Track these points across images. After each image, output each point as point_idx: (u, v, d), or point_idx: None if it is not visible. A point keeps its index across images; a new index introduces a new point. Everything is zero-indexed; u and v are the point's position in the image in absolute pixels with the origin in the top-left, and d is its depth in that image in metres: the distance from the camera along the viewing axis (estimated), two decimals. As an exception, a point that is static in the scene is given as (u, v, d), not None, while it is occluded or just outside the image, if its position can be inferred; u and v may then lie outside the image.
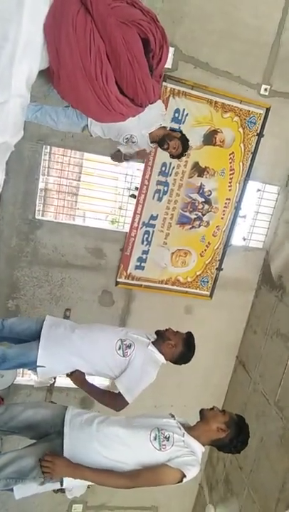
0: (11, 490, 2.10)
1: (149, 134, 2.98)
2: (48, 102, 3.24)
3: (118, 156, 3.33)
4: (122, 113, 2.35)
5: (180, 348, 2.52)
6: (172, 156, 3.13)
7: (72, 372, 2.46)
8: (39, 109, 3.14)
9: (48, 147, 4.09)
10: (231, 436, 2.04)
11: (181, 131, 3.13)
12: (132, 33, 2.15)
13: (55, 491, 2.78)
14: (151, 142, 3.05)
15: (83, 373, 2.47)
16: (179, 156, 3.15)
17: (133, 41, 2.15)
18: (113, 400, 2.38)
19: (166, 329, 2.59)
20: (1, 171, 2.00)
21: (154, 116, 2.89)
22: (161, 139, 3.01)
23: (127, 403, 2.38)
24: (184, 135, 3.08)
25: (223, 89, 3.97)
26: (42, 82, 2.21)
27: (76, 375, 2.44)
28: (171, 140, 3.01)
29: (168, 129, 3.10)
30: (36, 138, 3.87)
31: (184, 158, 4.06)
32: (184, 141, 3.07)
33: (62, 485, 2.00)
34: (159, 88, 2.63)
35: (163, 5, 3.59)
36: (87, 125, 3.00)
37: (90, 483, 2.50)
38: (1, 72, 1.69)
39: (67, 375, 2.48)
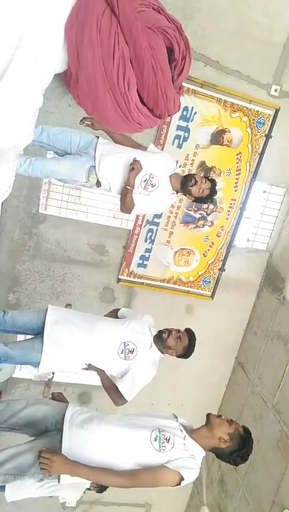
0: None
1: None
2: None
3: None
4: (140, 123, 2.27)
5: (180, 352, 2.53)
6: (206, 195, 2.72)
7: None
8: (28, 163, 2.60)
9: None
10: (232, 448, 1.98)
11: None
12: (158, 40, 2.07)
13: (50, 497, 2.79)
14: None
15: None
16: (211, 192, 2.70)
17: (158, 48, 2.07)
18: (117, 395, 2.41)
19: (168, 334, 2.49)
20: (11, 174, 1.94)
21: (167, 161, 2.64)
22: (182, 183, 2.65)
23: (126, 401, 2.43)
24: (207, 177, 2.70)
25: (232, 89, 3.93)
26: (57, 85, 2.12)
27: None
28: (192, 177, 2.64)
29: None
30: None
31: (190, 157, 4.05)
32: (211, 188, 2.67)
33: (59, 482, 1.99)
34: (179, 100, 2.56)
35: (175, 0, 3.54)
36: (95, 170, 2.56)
37: (87, 485, 2.50)
38: (14, 73, 1.57)
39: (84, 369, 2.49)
